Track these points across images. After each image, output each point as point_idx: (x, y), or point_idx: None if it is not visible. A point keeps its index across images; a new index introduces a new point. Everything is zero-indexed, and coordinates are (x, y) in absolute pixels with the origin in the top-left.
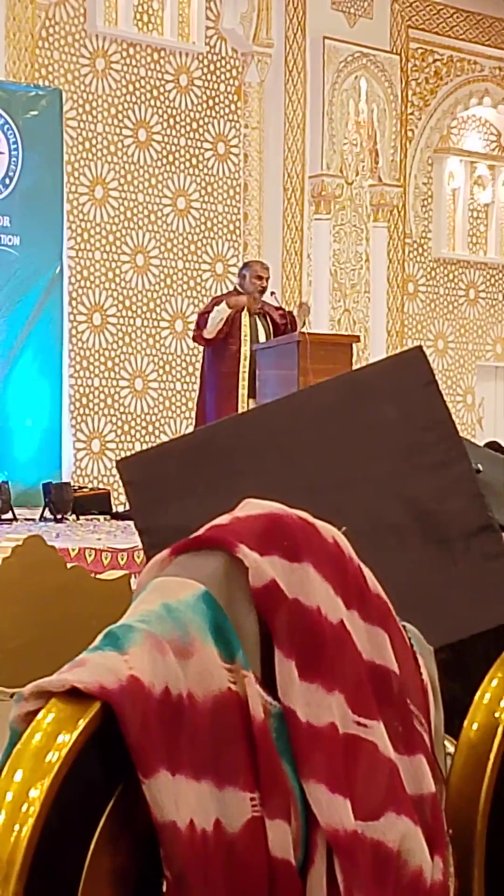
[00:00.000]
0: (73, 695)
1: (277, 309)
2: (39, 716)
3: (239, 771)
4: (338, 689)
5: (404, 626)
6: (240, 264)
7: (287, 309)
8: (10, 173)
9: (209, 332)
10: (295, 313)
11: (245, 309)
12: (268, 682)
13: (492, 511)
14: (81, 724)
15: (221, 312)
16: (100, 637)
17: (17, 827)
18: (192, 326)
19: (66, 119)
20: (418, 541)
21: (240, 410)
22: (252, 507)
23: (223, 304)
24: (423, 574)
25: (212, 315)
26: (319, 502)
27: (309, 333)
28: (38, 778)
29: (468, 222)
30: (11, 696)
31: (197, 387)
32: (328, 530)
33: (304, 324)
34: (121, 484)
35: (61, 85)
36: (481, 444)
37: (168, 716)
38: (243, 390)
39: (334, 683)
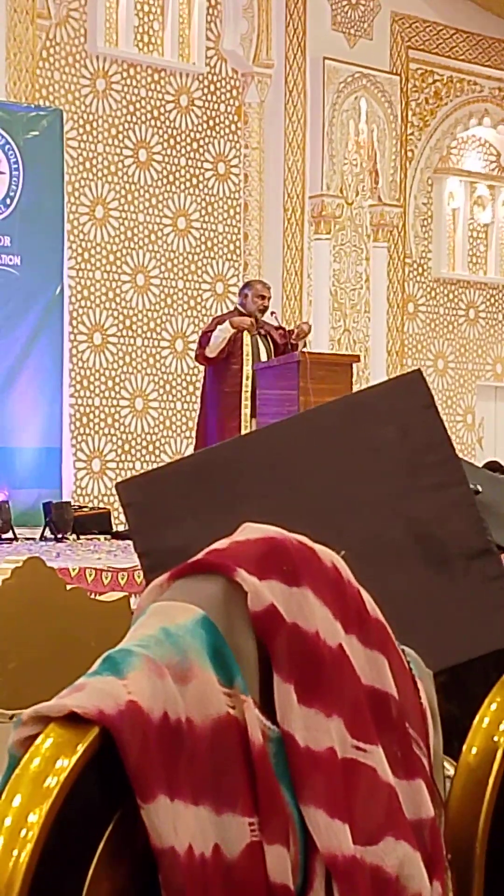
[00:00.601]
0: (72, 719)
1: (277, 328)
2: (38, 741)
3: (238, 796)
4: (336, 714)
5: (403, 650)
6: (240, 284)
7: (287, 328)
8: (11, 193)
9: (211, 352)
10: (294, 335)
11: (252, 326)
12: (267, 706)
13: (491, 532)
14: (80, 748)
15: (224, 332)
16: (98, 661)
17: (15, 852)
18: (193, 346)
19: (66, 139)
20: (418, 563)
21: (243, 429)
22: (251, 531)
23: (226, 324)
24: (422, 597)
25: (215, 334)
26: (320, 525)
27: (309, 353)
28: (36, 803)
29: (468, 242)
30: (11, 717)
31: (196, 406)
32: (327, 554)
33: (305, 345)
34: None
35: (62, 105)
36: (481, 463)
37: (167, 741)
38: (246, 409)
39: (333, 708)
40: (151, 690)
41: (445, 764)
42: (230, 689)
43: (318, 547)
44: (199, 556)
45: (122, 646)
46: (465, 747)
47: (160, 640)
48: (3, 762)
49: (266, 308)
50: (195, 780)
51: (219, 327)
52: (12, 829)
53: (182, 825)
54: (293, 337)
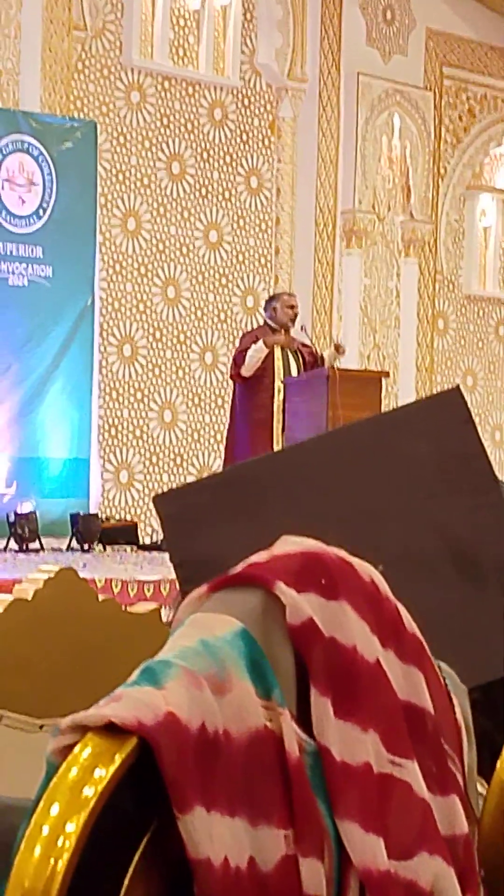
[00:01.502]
0: (110, 729)
1: (305, 346)
2: (76, 750)
3: (273, 808)
4: (373, 728)
5: (439, 666)
6: None
7: (318, 349)
8: (44, 204)
9: (247, 371)
10: (326, 354)
11: (282, 340)
12: (303, 719)
13: None
14: (118, 758)
15: (259, 352)
16: (137, 672)
17: (52, 860)
18: (223, 359)
19: (100, 151)
20: (453, 578)
21: (274, 443)
22: (290, 544)
23: (261, 343)
24: (457, 612)
25: (250, 353)
26: (354, 539)
27: (338, 368)
28: (73, 812)
29: (499, 259)
30: (41, 727)
31: (225, 419)
32: (365, 568)
33: (334, 365)
34: (147, 515)
35: (96, 117)
36: None
37: (204, 752)
38: (278, 424)
39: (369, 722)
40: (189, 701)
41: (478, 782)
42: (267, 701)
43: (356, 561)
44: (239, 568)
45: (160, 657)
46: (498, 764)
47: (199, 652)
48: (33, 770)
49: (296, 316)
50: (231, 791)
51: (253, 347)
52: (50, 838)
53: (218, 836)
54: (330, 357)
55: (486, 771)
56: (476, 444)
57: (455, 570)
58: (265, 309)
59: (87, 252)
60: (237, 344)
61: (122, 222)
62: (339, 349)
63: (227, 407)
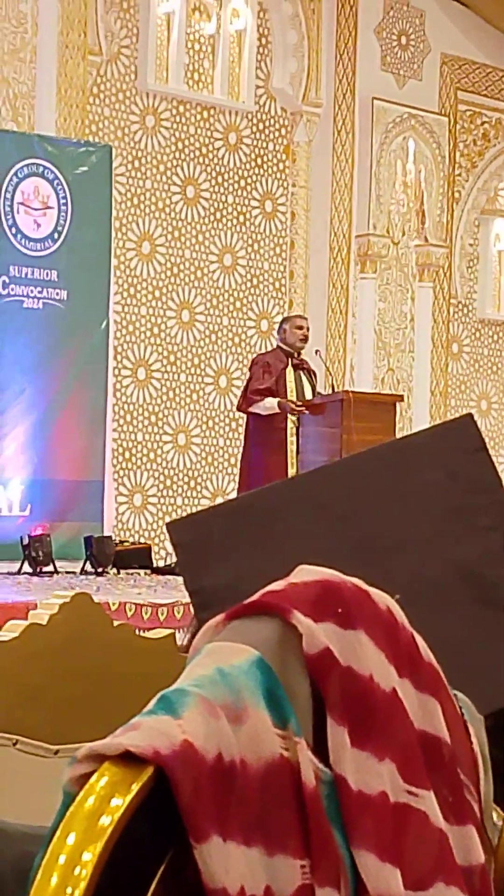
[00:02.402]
0: (127, 758)
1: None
2: (93, 779)
3: (289, 837)
4: (389, 758)
5: (455, 695)
6: None
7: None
8: (59, 228)
9: (251, 412)
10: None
11: (289, 364)
12: (319, 748)
13: None
14: (135, 787)
15: (270, 410)
16: (153, 701)
17: (69, 889)
18: (237, 382)
19: (115, 175)
20: (468, 606)
21: (289, 466)
22: (306, 573)
23: (275, 403)
24: (473, 640)
25: (263, 406)
26: (368, 567)
27: (353, 392)
28: (90, 841)
29: None
30: (56, 752)
31: (239, 442)
32: (382, 598)
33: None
34: (161, 538)
35: (111, 141)
36: None
37: (220, 781)
38: (292, 446)
39: (386, 751)
40: (206, 731)
41: (493, 812)
42: (284, 730)
43: (372, 590)
44: (255, 597)
45: (176, 685)
46: None
47: (215, 681)
48: (49, 796)
49: (306, 338)
50: (247, 820)
51: (265, 403)
52: (66, 867)
53: (234, 866)
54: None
55: (500, 800)
56: (490, 473)
57: (469, 599)
58: (277, 331)
59: (101, 275)
60: (249, 367)
61: (136, 246)
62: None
63: (241, 430)
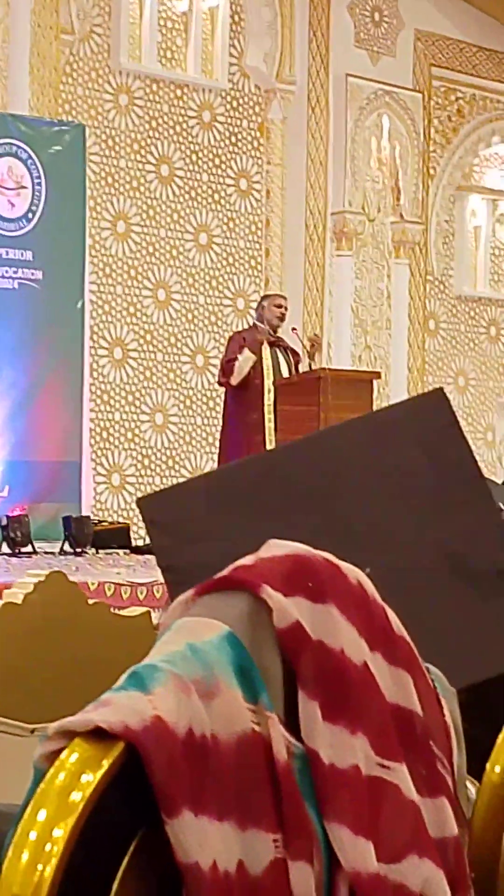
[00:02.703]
0: (98, 735)
1: (294, 354)
2: (63, 755)
3: (262, 812)
4: (361, 731)
5: (427, 668)
6: None
7: (304, 345)
8: (33, 208)
9: (235, 379)
10: (309, 352)
11: (265, 342)
12: (291, 723)
13: None
14: (105, 763)
15: (248, 361)
16: (124, 677)
17: (40, 866)
18: (214, 361)
19: (88, 154)
20: (445, 581)
21: (268, 445)
22: (276, 547)
23: (247, 353)
24: (450, 614)
25: (238, 363)
26: (344, 542)
27: (329, 370)
28: (61, 817)
29: (490, 260)
30: (32, 731)
31: (216, 421)
32: (352, 572)
33: (314, 358)
34: (140, 518)
35: (84, 120)
36: (501, 481)
37: (192, 756)
38: (270, 423)
39: (358, 725)
40: (177, 706)
41: (468, 784)
42: (255, 705)
43: (343, 564)
44: (225, 572)
45: (147, 661)
46: (488, 765)
47: (186, 657)
48: (27, 775)
49: (283, 317)
50: (219, 796)
51: (240, 357)
52: (37, 844)
53: (206, 841)
54: (309, 355)
55: (476, 774)
56: (464, 449)
57: (444, 573)
58: (256, 308)
59: (76, 255)
60: (225, 345)
61: (111, 225)
62: (315, 342)
63: (219, 409)
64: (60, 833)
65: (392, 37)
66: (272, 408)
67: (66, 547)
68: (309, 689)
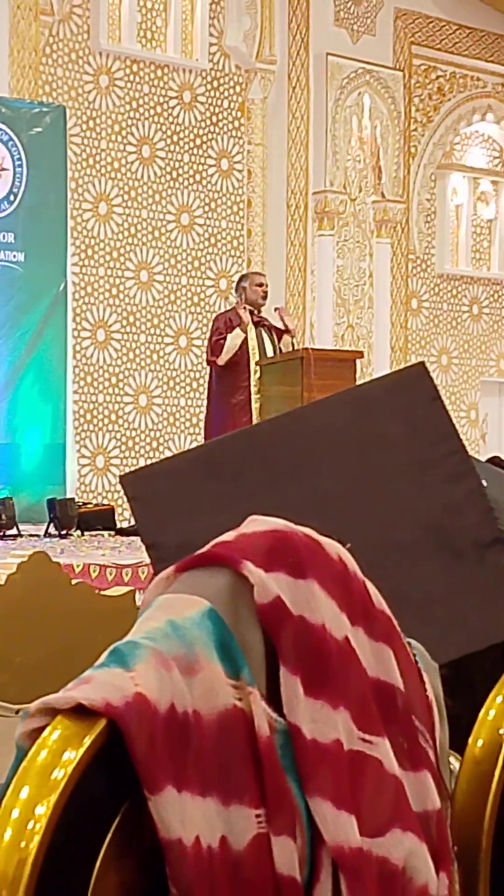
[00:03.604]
0: (79, 712)
1: (278, 333)
2: (45, 733)
3: (244, 787)
4: (343, 706)
5: (409, 643)
6: None
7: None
8: (15, 189)
9: (223, 359)
10: (284, 321)
11: (250, 322)
12: (273, 698)
13: (502, 525)
14: (87, 741)
15: (236, 339)
16: (105, 654)
17: (23, 843)
18: (197, 342)
19: (69, 135)
20: (429, 555)
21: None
22: (257, 523)
23: (237, 331)
24: (433, 588)
25: (227, 344)
26: (328, 517)
27: (312, 349)
28: (43, 795)
29: (471, 238)
30: (17, 712)
31: (201, 402)
32: (333, 547)
33: (293, 338)
34: (125, 499)
35: (65, 101)
36: (484, 459)
37: (174, 732)
38: (256, 404)
39: (339, 700)
40: (158, 682)
41: (451, 758)
42: (237, 681)
43: (323, 539)
44: (206, 548)
45: (128, 638)
46: (470, 740)
47: (167, 633)
48: (10, 755)
49: (266, 295)
50: (202, 771)
51: (230, 336)
52: (20, 822)
53: (189, 817)
54: (284, 328)
55: (459, 748)
56: (446, 423)
57: (429, 548)
58: (235, 290)
59: (58, 237)
60: (210, 326)
61: (93, 207)
62: (282, 315)
63: (203, 390)
64: (43, 810)
65: (371, 15)
66: (258, 388)
67: (52, 529)
68: (290, 664)
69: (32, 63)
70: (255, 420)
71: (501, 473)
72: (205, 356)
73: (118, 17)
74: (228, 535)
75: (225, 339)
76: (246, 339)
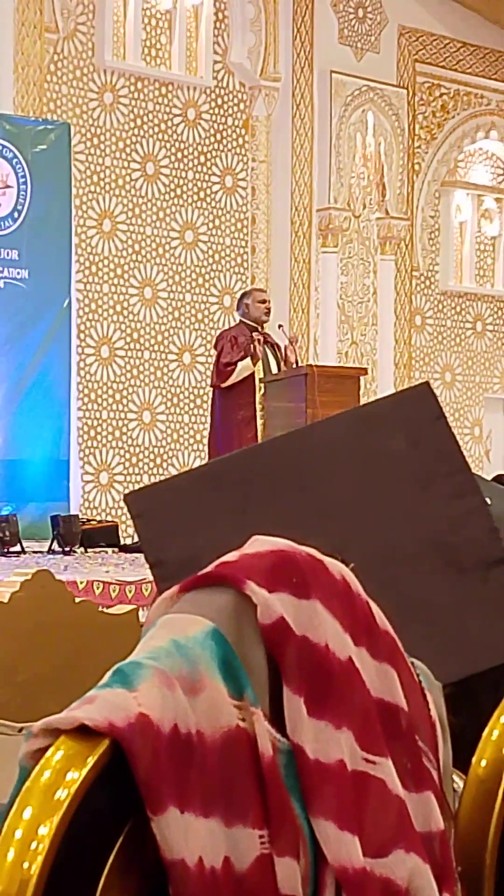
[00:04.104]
0: (83, 732)
1: (279, 346)
2: (48, 753)
3: (248, 808)
4: (346, 726)
5: (412, 663)
6: None
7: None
8: (19, 206)
9: (230, 383)
10: (288, 353)
11: (261, 357)
12: (277, 719)
13: None
14: (90, 761)
15: (245, 371)
16: (109, 674)
17: (26, 864)
18: (201, 359)
19: (74, 153)
20: (433, 573)
21: (259, 441)
22: (260, 543)
23: (248, 362)
24: (437, 607)
25: (237, 371)
26: (333, 536)
27: (316, 366)
28: (47, 815)
29: (475, 255)
30: (20, 730)
31: (204, 419)
32: (336, 567)
33: (297, 358)
34: (129, 516)
35: (69, 119)
36: (489, 476)
37: (177, 752)
38: (261, 420)
39: (343, 720)
40: (161, 702)
41: (454, 776)
42: (240, 701)
43: (327, 559)
44: (209, 568)
45: (132, 658)
46: (474, 759)
47: (170, 652)
48: (13, 774)
49: (269, 310)
50: (205, 792)
51: (240, 364)
52: (23, 842)
53: (192, 837)
54: (288, 353)
55: (462, 767)
56: (450, 442)
57: (433, 566)
58: (237, 307)
59: (63, 254)
60: (214, 343)
61: (97, 224)
62: (291, 347)
63: (206, 406)
64: (46, 831)
65: (376, 33)
66: (261, 406)
67: (55, 546)
68: (293, 684)
69: (37, 80)
70: (259, 436)
71: None
72: (209, 374)
73: (123, 34)
74: (232, 555)
75: (235, 365)
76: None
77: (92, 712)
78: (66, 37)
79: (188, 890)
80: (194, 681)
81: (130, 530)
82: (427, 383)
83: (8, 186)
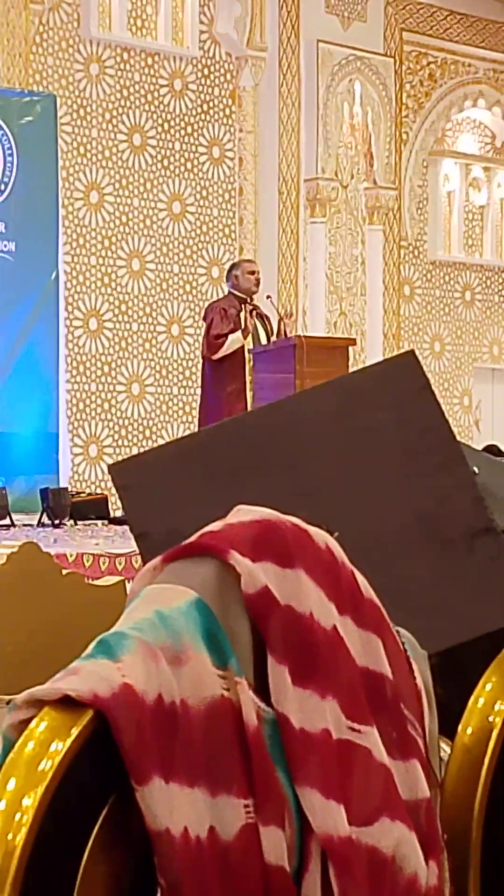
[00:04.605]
0: (67, 703)
1: (269, 320)
2: (32, 724)
3: (233, 778)
4: (331, 695)
5: (398, 632)
6: None
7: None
8: (5, 179)
9: (219, 356)
10: (283, 327)
11: (243, 310)
12: (261, 688)
13: (492, 513)
14: (74, 732)
15: (236, 343)
16: (92, 645)
17: (10, 835)
18: (189, 330)
19: (60, 124)
20: (419, 544)
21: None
22: (244, 513)
23: (238, 335)
24: (423, 577)
25: (227, 344)
26: (318, 507)
27: (305, 337)
28: (31, 786)
29: (464, 224)
30: (7, 703)
31: (194, 390)
32: (320, 536)
33: (293, 329)
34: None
35: (55, 90)
36: (479, 446)
37: (161, 723)
38: (251, 392)
39: (328, 689)
40: (146, 673)
41: (441, 744)
42: (224, 671)
43: (311, 529)
44: (193, 538)
45: (116, 629)
46: (460, 727)
47: (154, 624)
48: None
49: (258, 282)
50: (190, 762)
51: (231, 338)
52: (7, 813)
53: (177, 807)
54: (284, 327)
55: (449, 736)
56: (436, 412)
57: (419, 537)
58: (227, 279)
59: (50, 226)
60: (204, 315)
61: (84, 195)
62: (286, 319)
63: (196, 378)
64: (30, 802)
65: (363, 2)
66: (251, 377)
67: (45, 519)
68: (278, 653)
69: (22, 52)
70: (249, 408)
71: (495, 461)
72: (198, 346)
73: (108, 5)
74: (216, 525)
75: (225, 338)
76: (240, 326)
77: (76, 683)
78: (51, 7)
79: (173, 860)
80: (178, 651)
81: (120, 502)
82: (412, 351)
83: None
